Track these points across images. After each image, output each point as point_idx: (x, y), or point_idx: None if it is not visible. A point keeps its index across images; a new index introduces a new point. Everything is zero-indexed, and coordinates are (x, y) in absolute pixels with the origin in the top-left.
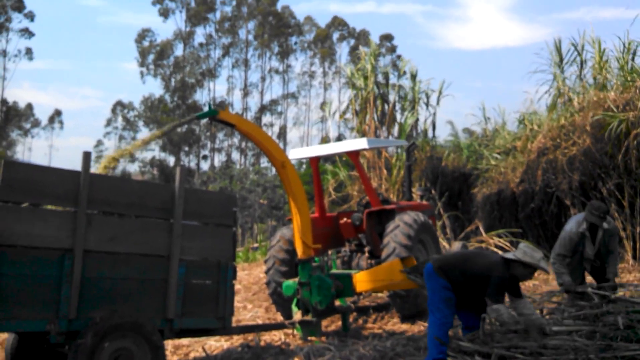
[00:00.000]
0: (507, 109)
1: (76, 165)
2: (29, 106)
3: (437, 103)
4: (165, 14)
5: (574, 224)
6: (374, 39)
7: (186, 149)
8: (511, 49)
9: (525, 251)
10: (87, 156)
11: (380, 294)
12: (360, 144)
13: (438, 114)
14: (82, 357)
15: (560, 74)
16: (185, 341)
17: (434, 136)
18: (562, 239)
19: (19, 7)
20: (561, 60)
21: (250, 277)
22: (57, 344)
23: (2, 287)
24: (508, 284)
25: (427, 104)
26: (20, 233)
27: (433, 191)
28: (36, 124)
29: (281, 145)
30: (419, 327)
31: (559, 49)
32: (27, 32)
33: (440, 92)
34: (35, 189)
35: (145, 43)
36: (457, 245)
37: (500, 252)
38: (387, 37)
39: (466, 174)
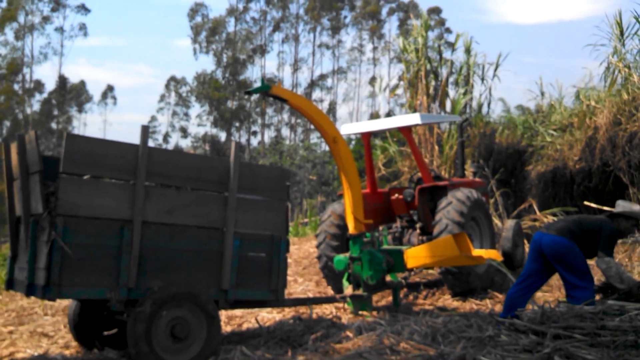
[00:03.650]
0: (564, 84)
1: (132, 139)
2: (82, 82)
3: (493, 78)
4: None
5: None
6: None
7: (237, 124)
8: (566, 23)
9: (624, 205)
10: (145, 130)
11: (431, 271)
12: (413, 119)
13: (492, 90)
14: (141, 325)
15: (620, 47)
16: (238, 312)
17: (488, 112)
18: None
19: None
20: (622, 33)
21: (300, 251)
22: (117, 312)
23: (66, 255)
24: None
25: (482, 79)
26: (82, 204)
27: (486, 168)
28: (88, 99)
29: None
30: (471, 305)
31: (619, 22)
32: (83, 9)
33: (497, 65)
34: (96, 162)
35: (198, 18)
36: (510, 224)
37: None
38: (435, 11)
39: (520, 150)
